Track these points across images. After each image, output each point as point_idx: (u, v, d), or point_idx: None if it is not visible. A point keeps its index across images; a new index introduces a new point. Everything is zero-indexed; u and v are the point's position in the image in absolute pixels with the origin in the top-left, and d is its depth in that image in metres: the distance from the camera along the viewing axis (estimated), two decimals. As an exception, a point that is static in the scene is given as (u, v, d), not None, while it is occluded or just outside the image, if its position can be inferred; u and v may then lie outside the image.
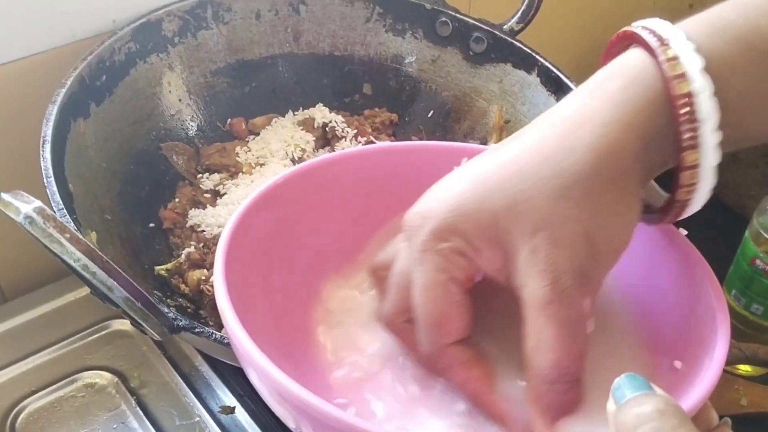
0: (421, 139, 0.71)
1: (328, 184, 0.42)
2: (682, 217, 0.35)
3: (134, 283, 0.40)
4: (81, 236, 0.39)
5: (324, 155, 0.41)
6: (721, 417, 0.31)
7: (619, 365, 0.35)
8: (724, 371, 0.66)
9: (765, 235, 0.61)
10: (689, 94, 0.31)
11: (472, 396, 0.34)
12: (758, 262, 0.62)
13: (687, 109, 0.31)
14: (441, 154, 0.43)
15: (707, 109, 0.31)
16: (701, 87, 0.30)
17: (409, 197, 0.35)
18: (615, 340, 0.37)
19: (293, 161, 0.66)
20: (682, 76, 0.31)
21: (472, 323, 0.34)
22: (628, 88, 0.32)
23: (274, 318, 0.38)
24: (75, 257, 0.38)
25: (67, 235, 0.38)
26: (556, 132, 0.32)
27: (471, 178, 0.33)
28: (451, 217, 0.32)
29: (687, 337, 0.35)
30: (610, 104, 0.32)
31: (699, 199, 0.33)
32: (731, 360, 0.61)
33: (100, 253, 0.39)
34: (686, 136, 0.31)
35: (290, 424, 0.32)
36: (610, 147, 0.31)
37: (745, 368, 0.67)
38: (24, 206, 0.38)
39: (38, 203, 0.38)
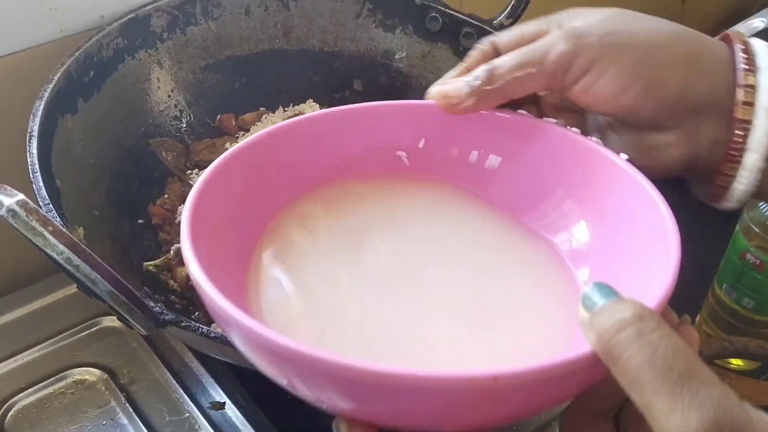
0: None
1: (294, 145, 0.41)
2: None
3: (118, 277, 0.40)
4: (64, 230, 0.38)
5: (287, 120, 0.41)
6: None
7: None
8: (716, 365, 0.66)
9: (755, 229, 0.61)
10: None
11: None
12: (749, 256, 0.62)
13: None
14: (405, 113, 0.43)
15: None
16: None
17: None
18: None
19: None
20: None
21: None
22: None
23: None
24: (58, 250, 0.38)
25: (50, 228, 0.37)
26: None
27: None
28: None
29: (642, 244, 0.35)
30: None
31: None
32: (722, 354, 0.60)
33: (83, 246, 0.38)
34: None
35: (280, 380, 0.30)
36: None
37: (736, 362, 0.67)
38: (7, 199, 0.37)
39: (21, 196, 0.38)
